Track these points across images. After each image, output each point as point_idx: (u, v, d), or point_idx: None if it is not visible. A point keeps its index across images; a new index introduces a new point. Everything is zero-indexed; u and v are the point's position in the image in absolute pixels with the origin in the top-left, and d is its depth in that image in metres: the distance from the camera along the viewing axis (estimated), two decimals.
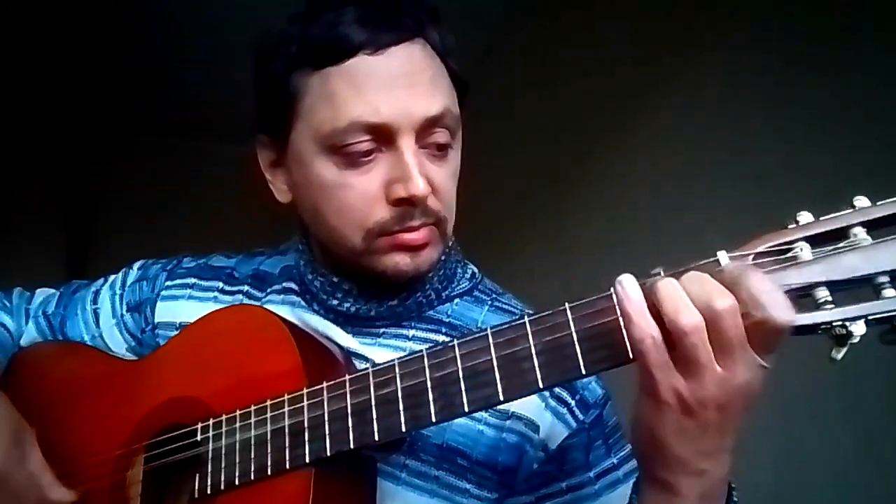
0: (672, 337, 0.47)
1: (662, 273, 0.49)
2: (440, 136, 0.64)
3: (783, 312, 0.45)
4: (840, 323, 0.44)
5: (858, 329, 0.43)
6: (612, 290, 0.50)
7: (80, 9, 2.28)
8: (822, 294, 0.45)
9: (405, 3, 0.65)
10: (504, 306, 0.73)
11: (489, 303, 0.73)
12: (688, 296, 0.47)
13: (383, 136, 0.62)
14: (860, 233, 0.45)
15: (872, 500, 1.24)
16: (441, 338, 0.69)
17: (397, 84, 0.62)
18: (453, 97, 0.66)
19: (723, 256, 0.48)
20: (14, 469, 0.66)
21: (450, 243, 0.72)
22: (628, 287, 0.49)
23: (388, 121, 0.61)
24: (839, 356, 0.44)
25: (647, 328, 0.47)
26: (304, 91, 0.64)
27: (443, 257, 0.71)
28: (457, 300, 0.72)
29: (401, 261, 0.65)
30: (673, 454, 0.49)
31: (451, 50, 0.68)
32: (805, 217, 0.47)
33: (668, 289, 0.47)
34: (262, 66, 0.68)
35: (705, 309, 0.46)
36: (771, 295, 0.46)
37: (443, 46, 0.67)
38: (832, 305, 0.45)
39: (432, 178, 0.64)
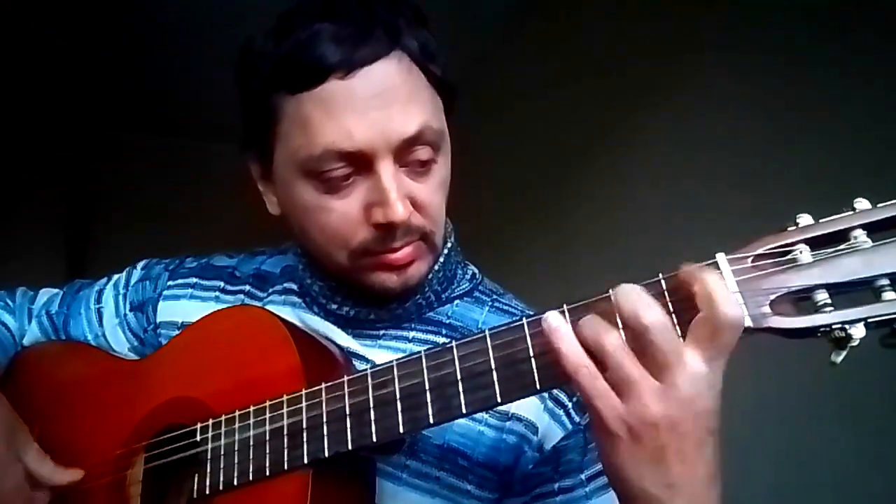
0: (599, 358, 0.47)
1: (662, 277, 0.49)
2: (421, 153, 0.62)
3: (733, 308, 0.45)
4: (839, 326, 0.43)
5: (858, 332, 0.43)
6: (610, 291, 0.50)
7: (80, 9, 2.28)
8: (822, 297, 0.45)
9: (380, 12, 0.62)
10: (504, 307, 0.73)
11: (489, 304, 0.73)
12: (618, 312, 0.47)
13: (359, 161, 0.61)
14: (860, 235, 0.45)
15: (872, 500, 1.24)
16: (441, 339, 0.68)
17: (371, 106, 0.60)
18: (435, 108, 0.64)
19: (721, 259, 0.48)
20: (5, 468, 0.66)
21: (448, 245, 0.72)
22: (554, 321, 0.49)
23: (363, 146, 0.60)
24: (839, 359, 0.44)
25: (578, 359, 0.48)
26: (281, 115, 0.63)
27: (441, 259, 0.70)
28: (457, 301, 0.72)
29: (387, 279, 0.65)
30: (638, 488, 0.47)
31: (434, 54, 0.65)
32: (805, 219, 0.47)
33: (590, 320, 0.48)
34: (242, 83, 0.67)
35: (634, 323, 0.46)
36: (723, 291, 0.45)
37: (423, 53, 0.64)
38: (831, 308, 0.44)
39: (415, 195, 0.63)
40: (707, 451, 0.47)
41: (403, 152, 0.62)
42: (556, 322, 0.49)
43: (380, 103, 0.60)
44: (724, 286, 0.46)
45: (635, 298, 0.47)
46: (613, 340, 0.47)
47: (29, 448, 0.69)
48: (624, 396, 0.47)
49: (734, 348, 0.46)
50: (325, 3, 0.63)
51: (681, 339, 0.46)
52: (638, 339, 0.46)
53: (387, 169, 0.61)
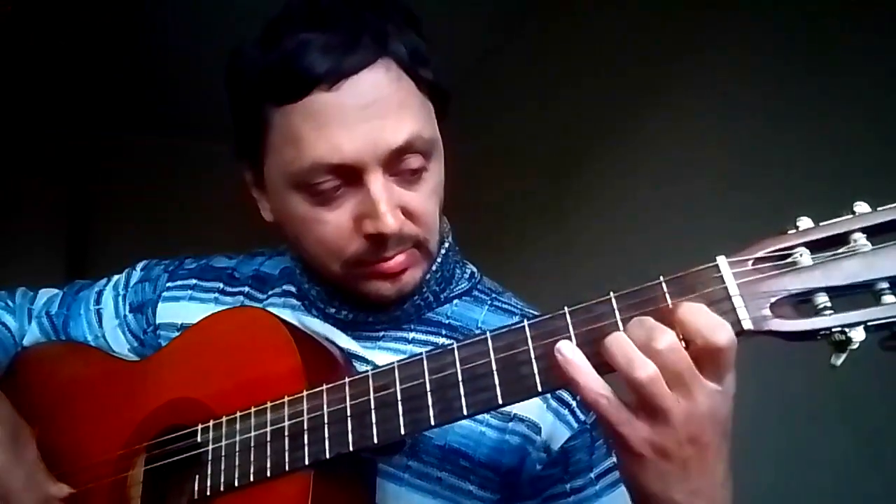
0: (630, 389, 0.47)
1: (663, 280, 0.49)
2: (412, 162, 0.62)
3: (721, 335, 0.45)
4: (839, 329, 0.44)
5: (858, 335, 0.43)
6: (610, 294, 0.50)
7: (80, 9, 2.28)
8: (822, 300, 0.45)
9: (368, 17, 0.62)
10: (504, 305, 0.73)
11: (489, 302, 0.73)
12: (635, 343, 0.47)
13: (349, 173, 0.60)
14: (860, 238, 0.45)
15: (872, 500, 1.24)
16: (441, 339, 0.69)
17: (359, 118, 0.59)
18: (426, 115, 0.64)
19: (722, 262, 0.48)
20: (12, 466, 0.66)
21: (446, 245, 0.72)
22: (568, 353, 0.49)
23: (352, 159, 0.59)
24: (838, 362, 0.44)
25: (598, 389, 0.48)
26: (270, 126, 0.63)
27: (439, 259, 0.70)
28: (456, 301, 0.72)
29: (381, 286, 0.65)
30: (663, 498, 0.48)
31: (425, 58, 0.64)
32: (805, 222, 0.47)
33: (618, 343, 0.47)
34: (231, 93, 0.67)
35: (647, 350, 0.46)
36: (705, 320, 0.46)
37: (412, 58, 0.63)
38: (831, 311, 0.44)
39: (406, 203, 0.63)
40: (723, 453, 0.48)
41: (393, 162, 0.61)
42: (571, 354, 0.49)
43: (368, 115, 0.59)
44: (705, 311, 0.46)
45: (646, 325, 0.47)
46: (649, 370, 0.46)
47: (30, 451, 0.69)
48: (653, 421, 0.47)
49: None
50: (312, 10, 0.62)
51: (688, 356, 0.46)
52: (658, 366, 0.46)
53: (376, 181, 0.60)
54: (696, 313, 0.46)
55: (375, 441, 0.56)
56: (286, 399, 0.60)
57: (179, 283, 0.80)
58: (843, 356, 0.44)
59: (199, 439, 0.64)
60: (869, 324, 0.43)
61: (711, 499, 0.49)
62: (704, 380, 0.46)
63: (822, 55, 1.35)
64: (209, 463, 0.63)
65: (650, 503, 0.49)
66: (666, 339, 0.46)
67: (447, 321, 0.70)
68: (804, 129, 1.37)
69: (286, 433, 0.59)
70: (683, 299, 0.48)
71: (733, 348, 0.46)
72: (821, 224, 0.46)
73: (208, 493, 0.62)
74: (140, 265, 0.85)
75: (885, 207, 0.45)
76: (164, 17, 2.36)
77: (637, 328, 0.47)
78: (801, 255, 0.46)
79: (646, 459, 0.47)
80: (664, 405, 0.46)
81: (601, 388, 0.48)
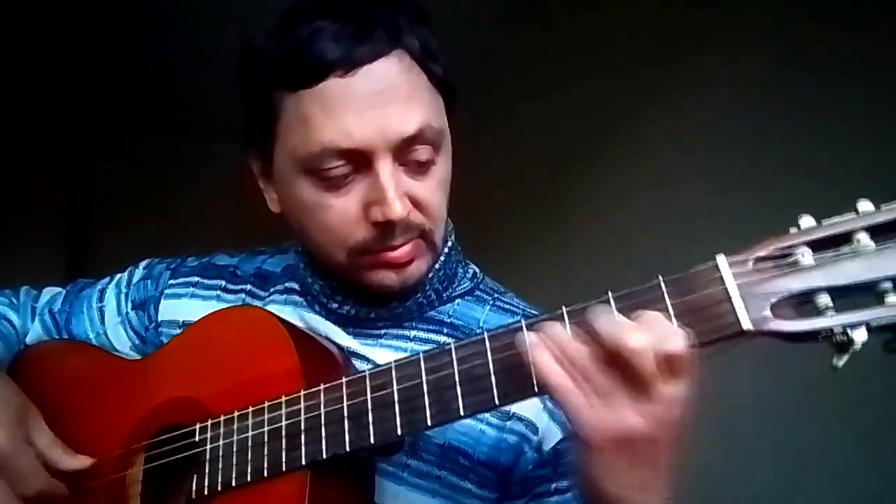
0: (618, 361, 0.47)
1: (662, 280, 0.48)
2: (421, 152, 0.63)
3: (676, 342, 0.46)
4: (841, 330, 0.43)
5: (860, 336, 0.43)
6: (608, 294, 0.50)
7: (80, 8, 2.28)
8: (824, 300, 0.44)
9: (380, 11, 0.63)
10: (506, 305, 0.73)
11: (491, 302, 0.73)
12: (599, 335, 0.47)
13: (358, 159, 0.61)
14: (863, 238, 0.44)
15: (872, 500, 1.24)
16: (442, 338, 0.69)
17: (370, 105, 0.60)
18: (436, 108, 0.65)
19: (721, 261, 0.47)
20: (19, 449, 0.66)
21: (448, 244, 0.72)
22: (530, 339, 0.50)
23: (361, 144, 0.60)
24: (840, 364, 0.44)
25: (557, 373, 0.48)
26: (281, 112, 0.63)
27: (442, 258, 0.71)
28: (458, 300, 0.72)
29: (385, 277, 0.65)
30: (613, 494, 0.49)
31: (435, 53, 0.65)
32: (807, 221, 0.47)
33: (606, 316, 0.47)
34: (243, 81, 0.67)
35: (617, 347, 0.46)
36: (661, 328, 0.46)
37: (424, 52, 0.64)
38: (833, 312, 0.44)
39: (414, 194, 0.63)
40: (673, 451, 0.49)
41: (403, 151, 0.62)
42: (531, 338, 0.50)
43: (379, 102, 0.60)
44: (661, 319, 0.47)
45: (618, 323, 0.47)
46: (642, 341, 0.46)
47: (41, 432, 0.69)
48: (633, 399, 0.47)
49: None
50: (326, 2, 0.63)
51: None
52: (619, 361, 0.47)
53: (385, 167, 0.61)
54: (652, 322, 0.47)
55: (372, 441, 0.56)
56: (283, 399, 0.60)
57: (182, 280, 0.80)
58: (845, 358, 0.43)
59: (196, 439, 0.64)
60: (872, 325, 0.43)
61: (658, 489, 0.50)
62: (668, 386, 0.46)
63: (822, 55, 1.35)
64: (207, 463, 0.63)
65: (600, 497, 0.50)
66: (641, 338, 0.46)
67: (449, 320, 0.70)
68: (804, 129, 1.37)
69: (283, 433, 0.59)
70: (682, 300, 0.48)
71: (686, 359, 0.46)
72: (823, 223, 0.46)
73: (206, 493, 0.62)
74: (143, 263, 0.85)
75: (889, 206, 0.44)
76: (164, 17, 2.36)
77: (605, 324, 0.47)
78: (802, 255, 0.45)
79: (597, 451, 0.48)
80: (649, 378, 0.46)
81: (559, 376, 0.48)
